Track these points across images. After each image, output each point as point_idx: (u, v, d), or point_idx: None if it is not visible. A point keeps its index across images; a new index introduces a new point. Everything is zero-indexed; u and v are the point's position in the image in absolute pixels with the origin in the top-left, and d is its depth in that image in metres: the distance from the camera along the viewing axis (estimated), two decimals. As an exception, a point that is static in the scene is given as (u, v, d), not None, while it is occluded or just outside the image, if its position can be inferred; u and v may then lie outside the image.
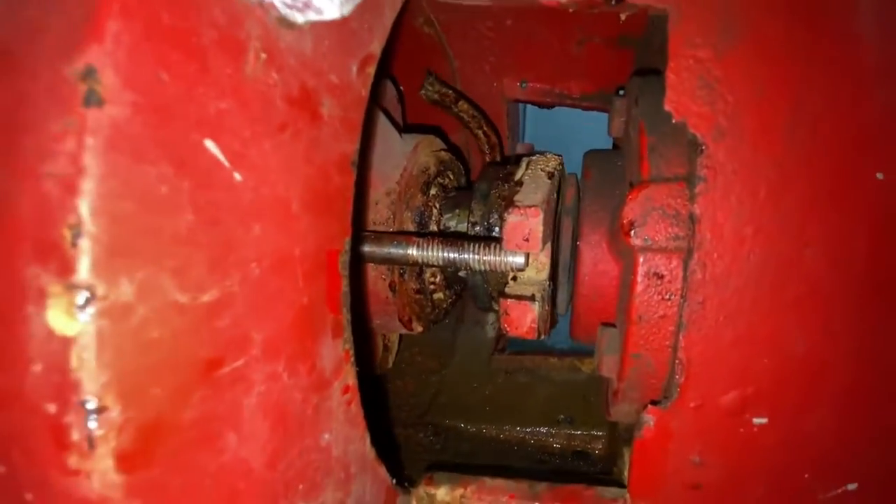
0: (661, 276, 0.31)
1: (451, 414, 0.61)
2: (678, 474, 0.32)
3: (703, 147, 0.29)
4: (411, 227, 0.44)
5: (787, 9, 0.28)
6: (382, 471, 0.29)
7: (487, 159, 0.55)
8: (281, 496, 0.19)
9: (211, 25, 0.15)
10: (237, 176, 0.16)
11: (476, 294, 0.46)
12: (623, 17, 0.32)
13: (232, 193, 0.16)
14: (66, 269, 0.11)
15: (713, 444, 0.31)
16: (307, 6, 0.17)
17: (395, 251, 0.38)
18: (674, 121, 0.29)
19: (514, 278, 0.38)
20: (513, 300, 0.34)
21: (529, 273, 0.37)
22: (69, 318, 0.11)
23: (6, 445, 0.13)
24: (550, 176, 0.38)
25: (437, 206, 0.47)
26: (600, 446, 0.59)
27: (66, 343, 0.11)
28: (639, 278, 0.31)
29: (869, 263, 0.28)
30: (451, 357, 0.69)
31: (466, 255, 0.36)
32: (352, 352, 0.24)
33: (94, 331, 0.12)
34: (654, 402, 0.32)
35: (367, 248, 0.38)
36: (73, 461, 0.12)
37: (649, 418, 0.32)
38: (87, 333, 0.11)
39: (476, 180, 0.48)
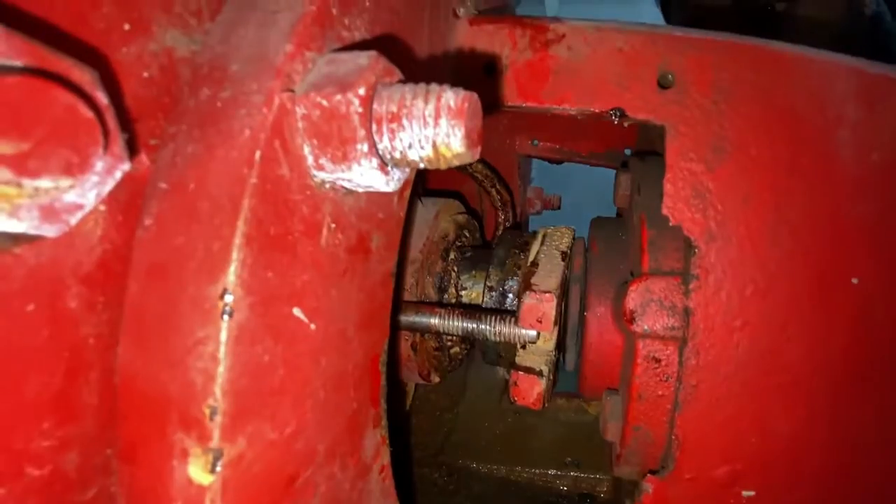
0: (659, 361, 0.34)
1: (464, 454, 0.65)
2: (674, 538, 0.35)
3: (696, 249, 0.33)
4: (432, 291, 0.48)
5: (771, 128, 0.32)
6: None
7: (500, 216, 0.59)
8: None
9: (300, 221, 0.19)
10: (312, 326, 0.20)
11: (485, 350, 0.50)
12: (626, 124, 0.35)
13: (309, 341, 0.20)
14: (204, 437, 0.15)
15: (706, 513, 0.34)
16: (368, 187, 0.21)
17: (418, 320, 0.42)
18: (671, 224, 0.33)
19: (524, 346, 0.42)
20: (523, 372, 0.38)
21: (539, 343, 0.41)
22: (205, 473, 0.15)
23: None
24: (564, 257, 0.42)
25: (456, 269, 0.51)
26: (605, 489, 0.62)
27: (202, 490, 0.15)
28: (639, 361, 0.35)
29: (845, 357, 0.31)
30: (463, 395, 0.73)
31: (483, 327, 0.40)
32: (387, 435, 0.28)
33: (221, 480, 0.16)
34: (652, 472, 0.35)
35: (403, 319, 0.42)
36: (201, 575, 0.16)
37: (648, 486, 0.35)
38: (216, 483, 0.16)
39: (495, 245, 0.52)
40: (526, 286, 0.37)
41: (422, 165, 0.19)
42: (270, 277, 0.17)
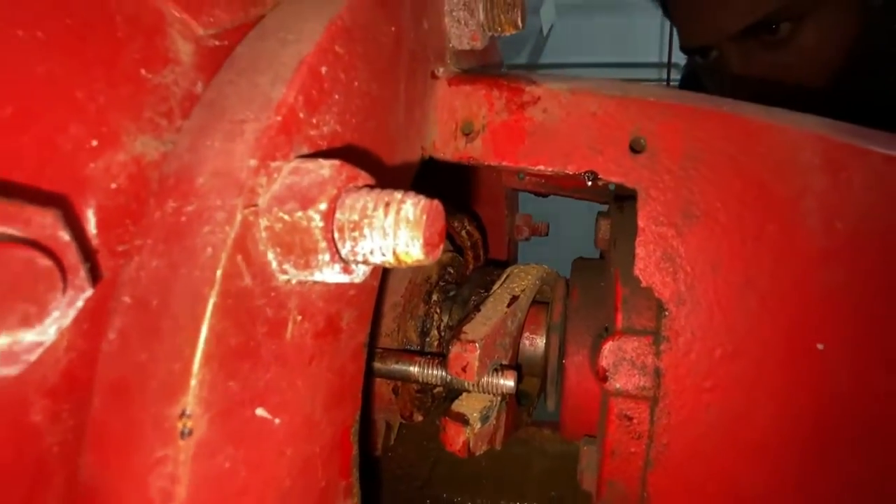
0: (631, 419, 0.35)
1: (448, 487, 0.65)
2: (647, 592, 0.36)
3: (667, 311, 0.33)
4: (414, 335, 0.49)
5: (739, 196, 0.33)
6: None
7: (470, 255, 0.60)
8: None
9: (264, 324, 0.19)
10: (277, 421, 0.21)
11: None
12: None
13: (273, 437, 0.20)
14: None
15: (678, 569, 0.35)
16: (336, 281, 0.22)
17: (397, 368, 0.43)
18: (642, 285, 0.34)
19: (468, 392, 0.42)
20: (449, 420, 0.38)
21: (478, 397, 0.41)
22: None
23: None
24: (512, 301, 0.42)
25: (439, 310, 0.51)
26: (589, 524, 0.62)
27: None
28: (612, 418, 0.35)
29: (812, 421, 0.32)
30: (450, 427, 0.73)
31: (452, 378, 0.41)
32: (360, 500, 0.29)
33: None
34: (625, 526, 0.36)
35: (374, 364, 0.43)
36: None
37: (621, 541, 0.36)
38: None
39: (464, 282, 0.53)
40: (456, 333, 0.38)
41: (381, 265, 0.20)
42: (231, 386, 0.18)
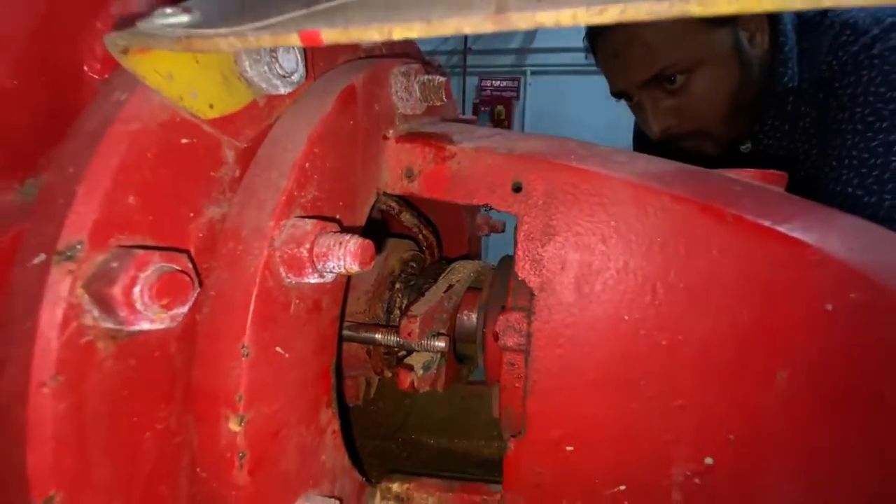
0: (514, 365, 0.53)
1: (417, 430, 0.84)
2: (527, 478, 0.55)
3: (534, 296, 0.51)
4: (381, 313, 0.67)
5: (576, 221, 0.51)
6: (356, 473, 0.52)
7: (427, 253, 0.78)
8: (301, 487, 0.42)
9: (279, 304, 0.38)
10: (287, 355, 0.39)
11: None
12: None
13: (284, 363, 0.39)
14: (236, 409, 0.34)
15: (545, 460, 0.54)
16: (318, 281, 0.40)
17: (366, 335, 0.62)
18: (519, 279, 0.52)
19: (412, 352, 0.61)
20: (400, 367, 0.57)
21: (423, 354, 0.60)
22: (237, 426, 0.35)
23: (208, 466, 0.36)
24: (448, 287, 0.61)
25: (400, 295, 0.70)
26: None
27: (234, 433, 0.35)
28: (504, 365, 0.54)
29: (623, 365, 0.50)
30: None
31: (402, 341, 0.60)
32: (337, 412, 0.47)
33: (243, 429, 0.35)
34: (513, 436, 0.55)
35: (346, 333, 0.61)
36: (234, 473, 0.35)
37: (511, 445, 0.54)
38: (241, 430, 0.35)
39: (421, 274, 0.71)
40: (406, 311, 0.57)
41: (341, 273, 0.38)
42: (264, 336, 0.36)
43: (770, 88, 1.01)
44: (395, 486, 0.61)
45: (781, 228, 0.48)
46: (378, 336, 0.61)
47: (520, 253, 0.51)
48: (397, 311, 0.68)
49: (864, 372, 0.47)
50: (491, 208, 0.52)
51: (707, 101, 0.99)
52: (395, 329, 0.61)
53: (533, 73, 5.45)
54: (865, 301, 0.46)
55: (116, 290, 0.28)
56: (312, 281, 0.38)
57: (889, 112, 0.85)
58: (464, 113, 1.05)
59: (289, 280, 0.37)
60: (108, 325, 0.30)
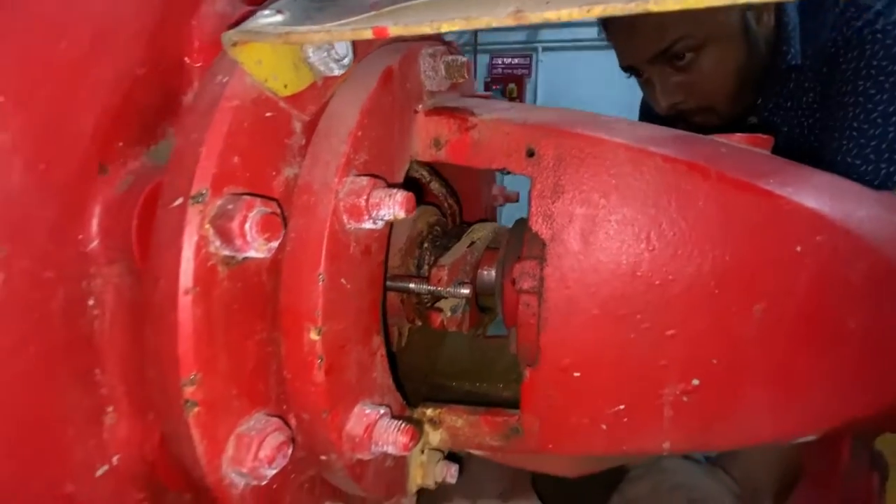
0: (529, 305, 0.63)
1: (443, 377, 0.95)
2: (542, 401, 0.65)
3: (546, 245, 0.60)
4: (412, 268, 0.77)
5: (580, 181, 0.59)
6: (399, 396, 0.63)
7: (449, 221, 0.87)
8: (359, 395, 0.53)
9: (342, 244, 0.48)
10: (348, 286, 0.49)
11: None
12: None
13: (346, 292, 0.49)
14: (316, 322, 0.45)
15: (556, 385, 0.63)
16: (368, 227, 0.49)
17: (401, 284, 0.72)
18: (533, 231, 0.61)
19: (440, 299, 0.71)
20: (431, 310, 0.67)
21: (448, 299, 0.70)
22: (316, 336, 0.45)
23: (293, 369, 0.46)
24: (471, 244, 0.70)
25: (428, 253, 0.79)
26: (536, 397, 0.92)
27: (315, 342, 0.45)
28: (520, 306, 0.63)
29: (622, 300, 0.59)
30: (444, 340, 1.03)
31: (433, 289, 0.69)
32: (384, 341, 0.58)
33: (321, 339, 0.45)
34: (529, 366, 0.64)
35: (388, 283, 0.72)
36: (314, 374, 0.45)
37: (527, 373, 0.64)
38: (320, 339, 0.45)
39: (445, 236, 0.81)
40: (435, 263, 0.66)
41: (390, 220, 0.48)
42: (334, 268, 0.46)
43: (774, 66, 1.07)
44: (429, 411, 0.71)
45: (758, 183, 0.56)
46: (411, 285, 0.70)
47: (533, 209, 0.60)
48: (426, 267, 0.78)
49: (828, 304, 0.55)
50: (508, 172, 0.61)
51: (714, 78, 1.04)
52: (426, 279, 0.70)
53: (544, 49, 5.40)
54: (829, 243, 0.54)
55: (234, 225, 0.38)
56: (366, 227, 0.47)
57: (890, 84, 0.90)
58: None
59: (349, 226, 0.47)
60: (226, 252, 0.40)
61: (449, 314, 0.67)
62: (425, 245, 0.79)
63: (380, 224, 0.48)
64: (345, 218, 0.46)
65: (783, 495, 1.12)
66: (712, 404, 0.59)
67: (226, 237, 0.38)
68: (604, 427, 0.63)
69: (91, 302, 0.38)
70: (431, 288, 0.69)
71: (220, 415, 0.41)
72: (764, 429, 0.58)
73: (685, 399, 0.59)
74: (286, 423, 0.46)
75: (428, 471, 0.73)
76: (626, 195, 0.58)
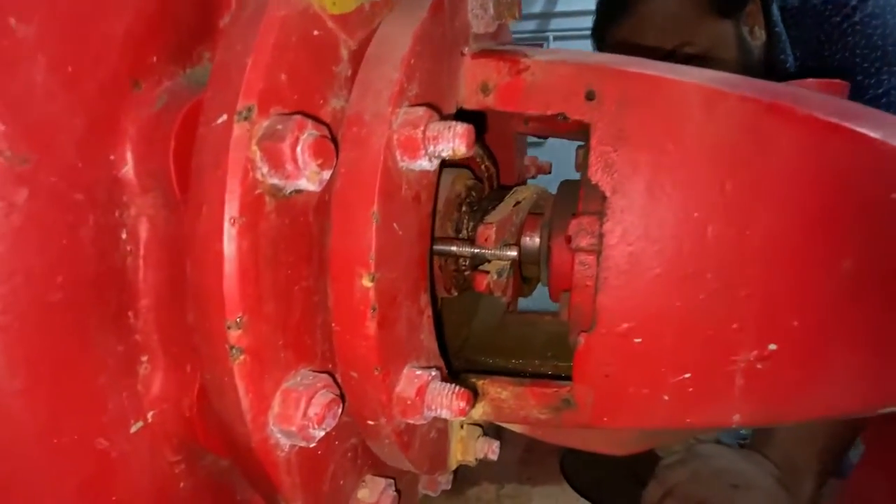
0: (586, 265, 0.58)
1: (477, 352, 0.90)
2: (597, 369, 0.60)
3: (606, 198, 0.55)
4: (451, 231, 0.72)
5: (648, 126, 0.54)
6: (442, 362, 0.58)
7: (486, 184, 0.82)
8: (409, 355, 0.48)
9: (394, 183, 0.43)
10: (400, 233, 0.44)
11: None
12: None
13: (399, 239, 0.44)
14: (369, 269, 0.40)
15: (614, 352, 0.58)
16: (421, 168, 0.45)
17: (443, 247, 0.67)
18: (592, 183, 0.56)
19: (489, 261, 0.66)
20: (477, 271, 0.62)
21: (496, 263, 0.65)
22: (369, 283, 0.40)
23: (343, 320, 0.42)
24: (516, 203, 0.65)
25: (467, 217, 0.74)
26: (575, 373, 0.87)
27: (368, 289, 0.40)
28: (575, 266, 0.58)
29: (689, 259, 0.54)
30: (476, 316, 0.98)
31: (477, 251, 0.64)
32: (430, 301, 0.53)
33: (374, 288, 0.40)
34: (584, 331, 0.59)
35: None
36: (366, 324, 0.41)
37: (581, 339, 0.59)
38: (373, 287, 0.40)
39: (485, 198, 0.75)
40: (481, 220, 0.62)
41: (447, 157, 0.43)
42: (386, 208, 0.41)
43: (773, 76, 1.08)
44: (472, 379, 0.67)
45: (848, 124, 0.51)
46: (454, 248, 0.66)
47: (592, 159, 0.55)
48: (465, 231, 0.73)
49: (926, 258, 0.50)
50: (565, 118, 0.56)
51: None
52: (469, 241, 0.65)
53: (556, 38, 5.31)
54: (931, 189, 0.49)
55: (285, 146, 0.33)
56: (419, 166, 0.42)
57: (875, 69, 0.99)
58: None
59: (402, 163, 0.42)
60: (274, 180, 0.35)
61: (495, 277, 0.62)
62: (464, 208, 0.74)
63: (434, 163, 0.43)
64: (398, 154, 0.41)
65: (826, 474, 1.07)
66: (791, 371, 0.54)
67: (275, 161, 0.34)
68: (666, 398, 0.58)
69: (124, 235, 0.34)
70: (476, 250, 0.64)
71: (267, 366, 0.36)
72: (850, 397, 0.53)
73: (760, 366, 0.54)
74: (335, 380, 0.41)
75: (468, 446, 0.68)
76: (699, 140, 0.53)
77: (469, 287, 0.84)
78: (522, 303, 1.11)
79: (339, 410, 0.39)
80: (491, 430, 0.76)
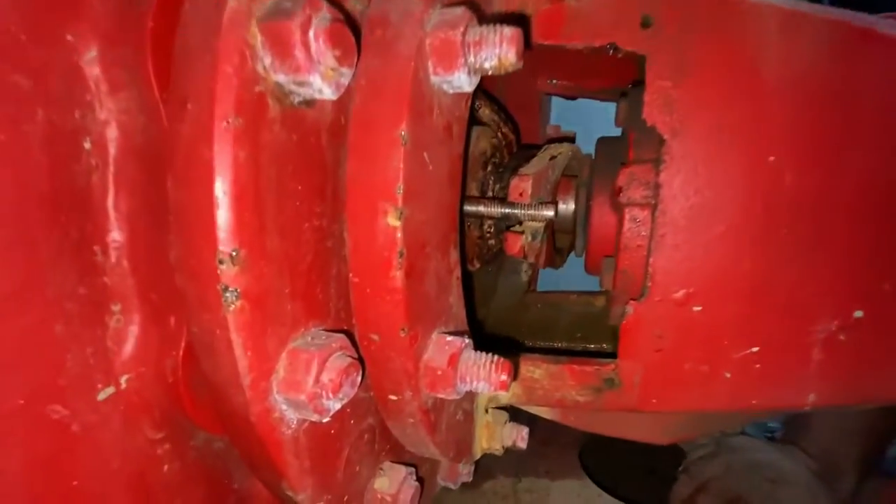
0: (638, 221, 0.50)
1: (497, 332, 0.83)
2: (647, 343, 0.52)
3: (665, 141, 0.47)
4: (476, 192, 0.65)
5: (719, 54, 0.46)
6: (469, 332, 0.50)
7: (506, 153, 0.74)
8: (438, 318, 0.40)
9: (426, 103, 0.35)
10: (431, 167, 0.36)
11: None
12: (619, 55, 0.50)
13: (430, 175, 0.36)
14: (395, 202, 0.32)
15: (668, 323, 0.51)
16: (458, 88, 0.37)
17: (470, 208, 0.59)
18: (648, 125, 0.48)
19: (520, 223, 0.58)
20: (510, 232, 0.55)
21: (530, 223, 0.57)
22: (396, 220, 0.32)
23: (363, 268, 0.34)
24: (552, 157, 0.57)
25: (492, 178, 0.67)
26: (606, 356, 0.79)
27: (394, 229, 0.32)
28: (625, 222, 0.50)
29: (765, 211, 0.46)
30: (494, 294, 0.90)
31: (509, 210, 0.57)
32: (459, 259, 0.45)
33: (402, 225, 0.33)
34: (633, 299, 0.52)
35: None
36: (392, 273, 0.33)
37: (630, 308, 0.52)
38: (400, 225, 0.32)
39: (510, 158, 0.68)
40: (513, 173, 0.54)
41: (490, 72, 0.35)
42: (416, 131, 0.34)
43: None
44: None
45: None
46: (481, 208, 0.58)
47: (649, 96, 0.47)
48: (490, 193, 0.66)
49: None
50: (616, 49, 0.48)
51: None
52: (500, 200, 0.58)
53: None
54: None
55: (294, 25, 0.25)
56: (457, 82, 0.34)
57: None
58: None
59: (436, 77, 0.34)
60: (280, 77, 0.27)
61: (530, 239, 0.55)
62: (489, 168, 0.67)
63: (473, 80, 0.35)
64: (431, 64, 0.34)
65: (866, 469, 1.00)
66: (879, 342, 0.46)
67: (281, 47, 0.26)
68: (728, 375, 0.51)
69: (87, 144, 0.26)
70: (507, 209, 0.56)
71: (271, 318, 0.29)
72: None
73: (843, 337, 0.47)
74: (353, 343, 0.34)
75: (494, 433, 0.61)
76: (778, 69, 0.45)
77: (493, 258, 0.77)
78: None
79: (359, 378, 0.32)
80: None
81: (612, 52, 0.48)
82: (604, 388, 0.55)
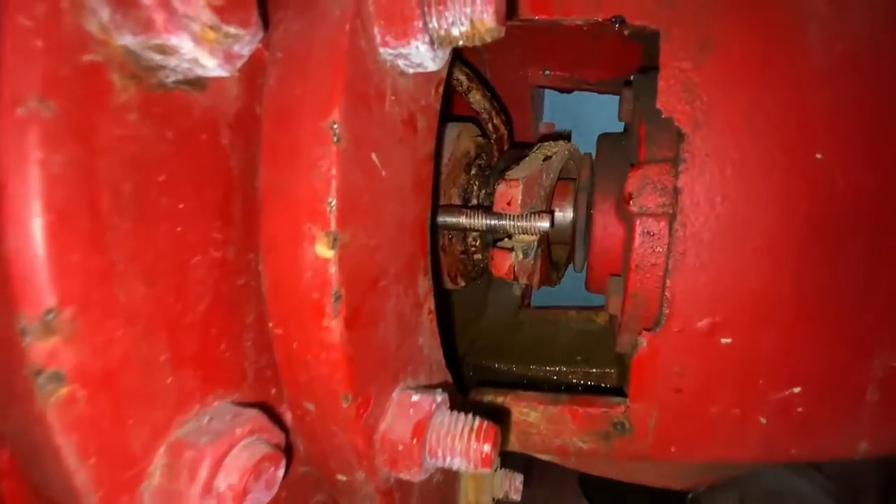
0: (653, 234, 0.41)
1: (486, 356, 0.73)
2: (664, 381, 0.43)
3: (685, 136, 0.38)
4: (457, 200, 0.55)
5: (749, 28, 0.37)
6: (449, 376, 0.41)
7: (495, 148, 0.64)
8: (400, 370, 0.31)
9: (373, 86, 0.25)
10: (383, 172, 0.27)
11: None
12: (626, 32, 0.41)
13: (380, 183, 0.27)
14: (326, 224, 0.22)
15: (690, 358, 0.42)
16: (419, 66, 0.27)
17: (449, 219, 0.49)
18: (663, 116, 0.39)
19: (510, 237, 0.48)
20: (497, 249, 0.45)
21: (520, 238, 0.47)
22: (328, 249, 0.23)
23: (286, 316, 0.25)
24: (546, 158, 0.48)
25: (477, 182, 0.57)
26: (611, 381, 0.70)
27: (325, 262, 0.23)
28: (636, 236, 0.41)
29: (809, 223, 0.37)
30: (484, 312, 0.81)
31: (495, 222, 0.47)
32: (432, 287, 0.36)
33: (337, 256, 0.23)
34: (647, 329, 0.43)
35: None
36: (325, 322, 0.24)
37: (643, 340, 0.42)
38: (334, 256, 0.23)
39: (498, 159, 0.58)
40: (500, 178, 0.44)
41: (461, 43, 0.25)
42: (357, 123, 0.24)
43: None
44: (489, 398, 0.50)
45: None
46: (462, 220, 0.48)
47: (664, 81, 0.38)
48: (475, 200, 0.56)
49: None
50: (622, 23, 0.39)
51: None
52: (482, 209, 0.48)
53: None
54: None
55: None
56: (416, 58, 0.25)
57: None
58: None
59: (385, 49, 0.25)
60: (127, 39, 0.17)
61: (520, 256, 0.45)
62: (473, 171, 0.57)
63: (439, 56, 0.26)
64: (378, 30, 0.24)
65: (888, 491, 0.93)
66: (953, 383, 0.38)
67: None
68: (763, 421, 0.42)
69: None
70: (493, 221, 0.46)
71: (134, 401, 0.19)
72: None
73: (907, 376, 0.38)
74: (275, 418, 0.24)
75: (482, 483, 0.51)
76: (824, 46, 0.36)
77: (479, 275, 0.67)
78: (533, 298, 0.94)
79: (279, 472, 0.22)
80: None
81: (617, 26, 0.39)
82: (612, 433, 0.46)
